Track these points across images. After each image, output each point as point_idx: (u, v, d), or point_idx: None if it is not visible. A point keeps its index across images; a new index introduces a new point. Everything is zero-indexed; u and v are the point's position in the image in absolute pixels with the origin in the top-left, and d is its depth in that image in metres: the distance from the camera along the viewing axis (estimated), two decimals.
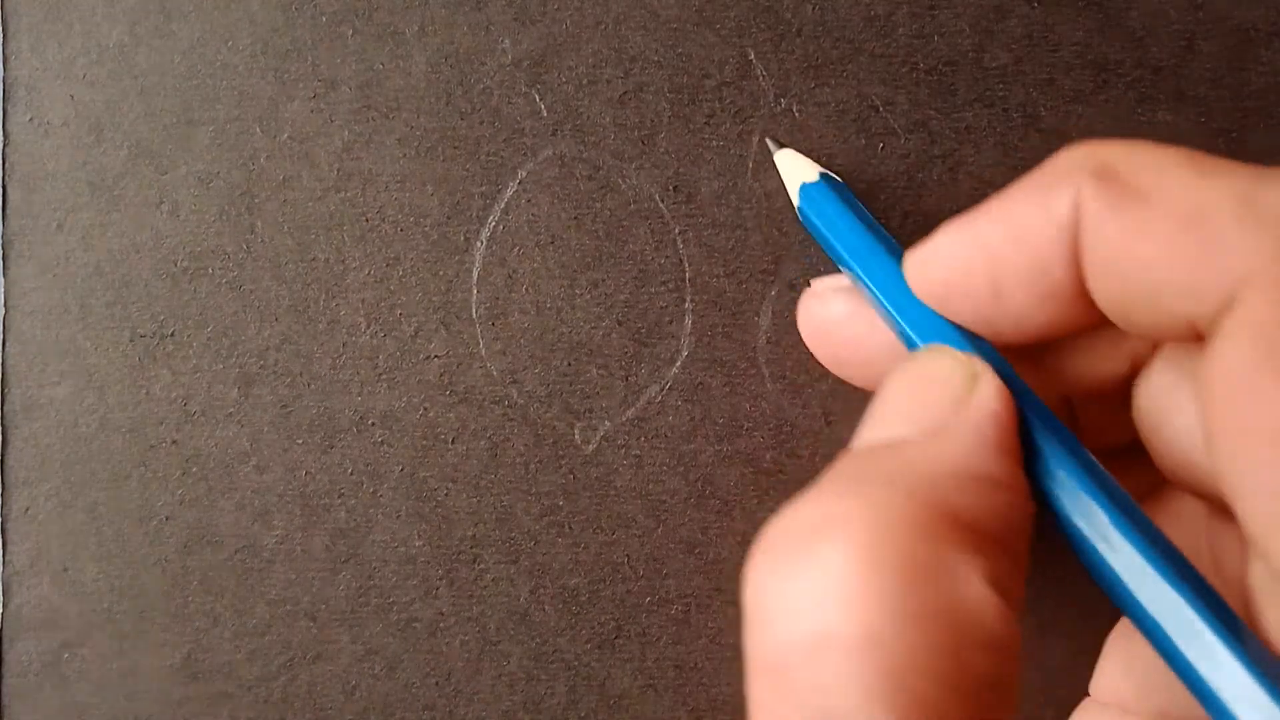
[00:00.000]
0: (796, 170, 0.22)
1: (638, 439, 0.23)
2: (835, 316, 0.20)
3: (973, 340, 0.17)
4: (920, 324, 0.18)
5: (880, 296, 0.19)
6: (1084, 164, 0.15)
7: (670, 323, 0.23)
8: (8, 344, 0.24)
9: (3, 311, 0.24)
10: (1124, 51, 0.23)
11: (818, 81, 0.23)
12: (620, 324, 0.23)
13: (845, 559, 0.13)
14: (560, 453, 0.23)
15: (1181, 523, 0.18)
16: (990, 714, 0.13)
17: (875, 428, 0.16)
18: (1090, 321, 0.16)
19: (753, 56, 0.23)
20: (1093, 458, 0.16)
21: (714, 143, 0.23)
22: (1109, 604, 0.15)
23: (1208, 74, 0.23)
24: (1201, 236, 0.14)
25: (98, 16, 0.24)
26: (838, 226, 0.20)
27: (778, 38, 0.23)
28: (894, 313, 0.19)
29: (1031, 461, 0.16)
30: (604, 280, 0.23)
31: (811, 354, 0.22)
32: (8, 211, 0.24)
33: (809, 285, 0.22)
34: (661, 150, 0.23)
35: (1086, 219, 0.15)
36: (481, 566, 0.24)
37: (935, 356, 0.17)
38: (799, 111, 0.23)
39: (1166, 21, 0.23)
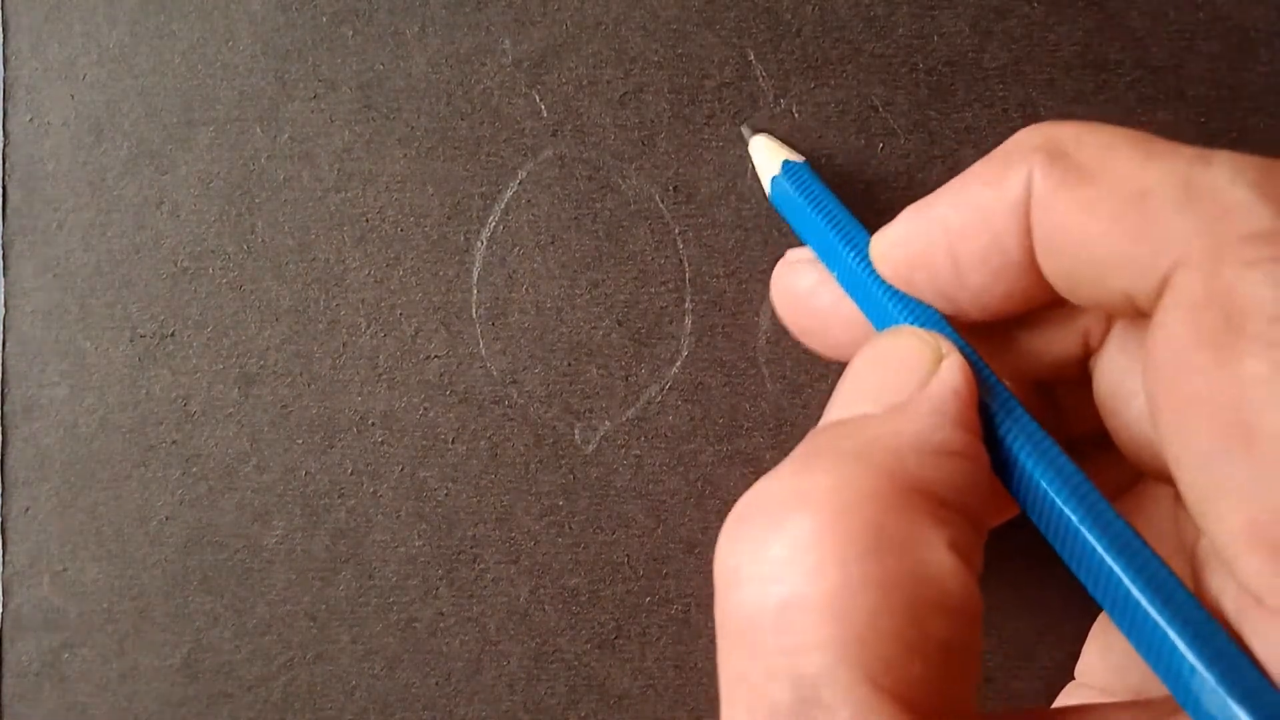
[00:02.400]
0: (768, 157, 0.22)
1: (638, 439, 0.23)
2: (805, 287, 0.21)
3: (936, 322, 0.18)
4: (886, 304, 0.18)
5: (846, 280, 0.19)
6: (1037, 143, 0.16)
7: (670, 323, 0.23)
8: (8, 344, 0.24)
9: (3, 311, 0.24)
10: (1124, 51, 0.23)
11: (818, 81, 0.23)
12: (620, 324, 0.23)
13: (813, 528, 0.14)
14: (560, 453, 0.23)
15: (1158, 509, 0.19)
16: (953, 675, 0.14)
17: (842, 405, 0.16)
18: (1045, 297, 0.17)
19: (752, 57, 0.23)
20: (1048, 436, 0.16)
21: (714, 143, 0.23)
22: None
23: (1208, 74, 0.23)
24: (1142, 216, 0.14)
25: (98, 16, 0.24)
26: (805, 213, 0.21)
27: (778, 38, 0.23)
28: (860, 294, 0.19)
29: (992, 437, 0.16)
30: (604, 280, 0.23)
31: (812, 354, 0.22)
32: (8, 211, 0.24)
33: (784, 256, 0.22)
34: (661, 150, 0.23)
35: (1035, 197, 0.16)
36: (481, 566, 0.24)
37: (900, 335, 0.17)
38: (799, 111, 0.23)
39: (1166, 21, 0.23)
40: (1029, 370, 0.19)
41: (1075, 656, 0.21)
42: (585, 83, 0.24)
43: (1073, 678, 0.21)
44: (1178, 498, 0.18)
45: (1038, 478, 0.15)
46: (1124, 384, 0.17)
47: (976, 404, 0.16)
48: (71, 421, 0.24)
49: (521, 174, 0.24)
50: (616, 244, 0.23)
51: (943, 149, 0.23)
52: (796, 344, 0.23)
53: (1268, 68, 0.23)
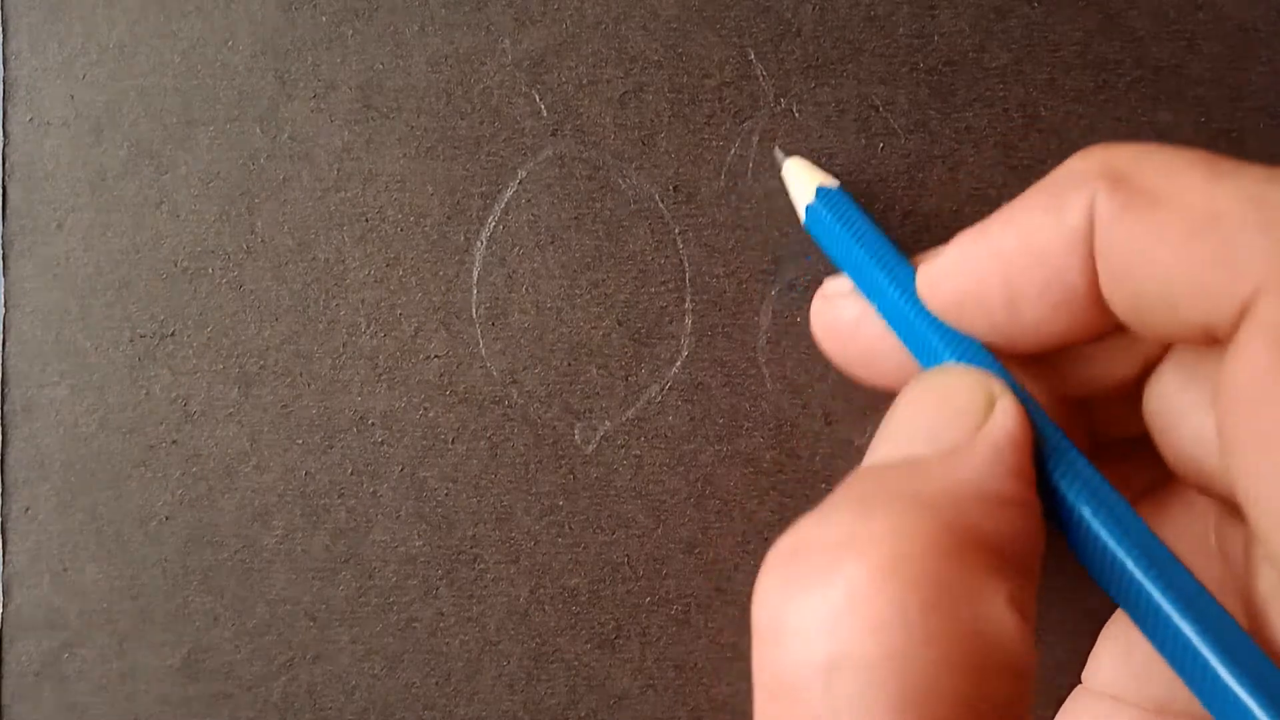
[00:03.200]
0: (802, 183, 0.22)
1: (638, 439, 0.23)
2: (849, 319, 0.20)
3: (984, 358, 0.17)
4: (932, 339, 0.18)
5: (888, 312, 0.19)
6: (1095, 169, 0.15)
7: (670, 323, 0.23)
8: (8, 344, 0.24)
9: (3, 311, 0.24)
10: (1124, 51, 0.23)
11: (818, 81, 0.23)
12: (620, 324, 0.23)
13: (867, 578, 0.13)
14: (560, 453, 0.23)
15: (1190, 516, 0.18)
16: None
17: (890, 445, 0.16)
18: (1106, 327, 0.16)
19: (753, 56, 0.23)
20: (1106, 481, 0.16)
21: (714, 143, 0.23)
22: (1102, 598, 0.15)
23: (1208, 74, 0.23)
24: (1215, 240, 0.14)
25: (98, 16, 0.24)
26: (844, 242, 0.20)
27: (778, 38, 0.23)
28: (903, 327, 0.18)
29: (1044, 481, 0.16)
30: (604, 280, 0.23)
31: (811, 354, 0.22)
32: (8, 211, 0.24)
33: (821, 286, 0.21)
34: (661, 150, 0.23)
35: (1100, 225, 0.15)
36: (481, 566, 0.24)
37: (951, 374, 0.16)
38: (799, 111, 0.23)
39: (1166, 21, 0.23)
40: (1076, 391, 0.18)
41: (1076, 656, 0.21)
42: (585, 82, 0.24)
43: (1078, 681, 0.20)
44: (1221, 512, 0.18)
45: (1096, 529, 0.15)
46: (1178, 402, 0.17)
47: (1031, 450, 0.15)
48: (71, 421, 0.24)
49: (521, 174, 0.24)
50: (616, 244, 0.23)
51: (943, 149, 0.23)
52: (796, 344, 0.23)
53: (1268, 68, 0.23)
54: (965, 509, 0.14)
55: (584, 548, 0.23)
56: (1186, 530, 0.18)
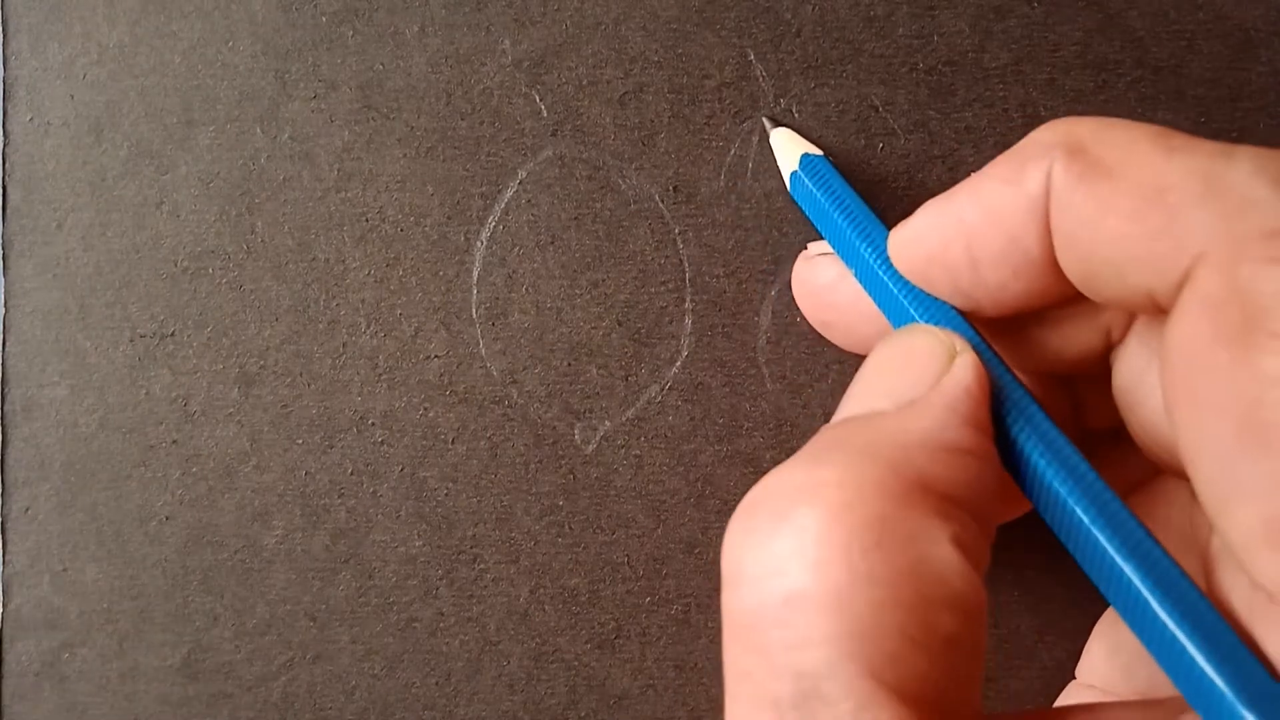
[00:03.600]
0: (789, 151, 0.22)
1: (638, 439, 0.23)
2: (826, 281, 0.21)
3: (953, 319, 0.18)
4: (902, 301, 0.18)
5: (863, 275, 0.19)
6: (1056, 140, 0.16)
7: (670, 323, 0.23)
8: (8, 344, 0.24)
9: (3, 311, 0.24)
10: (1124, 51, 0.23)
11: (818, 81, 0.23)
12: (620, 324, 0.23)
13: (817, 522, 0.14)
14: (560, 453, 0.23)
15: (1173, 504, 0.19)
16: (957, 671, 0.13)
17: (855, 402, 0.16)
18: (1064, 294, 0.17)
19: (753, 57, 0.23)
20: (1062, 434, 0.16)
21: (714, 143, 0.23)
22: (1100, 599, 0.16)
23: (1208, 74, 0.23)
24: (1161, 212, 0.14)
25: (98, 16, 0.24)
26: (823, 207, 0.21)
27: (778, 38, 0.23)
28: (877, 290, 0.19)
29: (1005, 435, 0.16)
30: (604, 280, 0.23)
31: (811, 354, 0.22)
32: (8, 211, 0.24)
33: (805, 249, 0.22)
34: (661, 150, 0.23)
35: (1055, 194, 0.16)
36: (481, 566, 0.24)
37: (914, 333, 0.17)
38: (799, 111, 0.23)
39: (1166, 21, 0.23)
40: (1049, 364, 0.19)
41: (1076, 655, 0.21)
42: (585, 83, 0.24)
43: (1073, 677, 0.21)
44: (1193, 493, 0.18)
45: (1049, 477, 0.15)
46: (1143, 379, 0.17)
47: (989, 402, 0.16)
48: (71, 421, 0.24)
49: (521, 174, 0.24)
50: (616, 244, 0.23)
51: (943, 149, 0.23)
52: (796, 344, 0.23)
53: (1268, 68, 0.23)
54: (914, 456, 0.14)
55: (584, 548, 0.23)
56: (1166, 519, 0.18)
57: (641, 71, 0.23)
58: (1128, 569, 0.14)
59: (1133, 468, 0.19)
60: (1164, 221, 0.14)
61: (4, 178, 0.24)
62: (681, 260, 0.23)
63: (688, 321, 0.23)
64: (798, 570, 0.13)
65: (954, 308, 0.18)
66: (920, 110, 0.23)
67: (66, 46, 0.24)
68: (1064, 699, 0.20)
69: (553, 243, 0.24)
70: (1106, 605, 0.19)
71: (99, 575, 0.24)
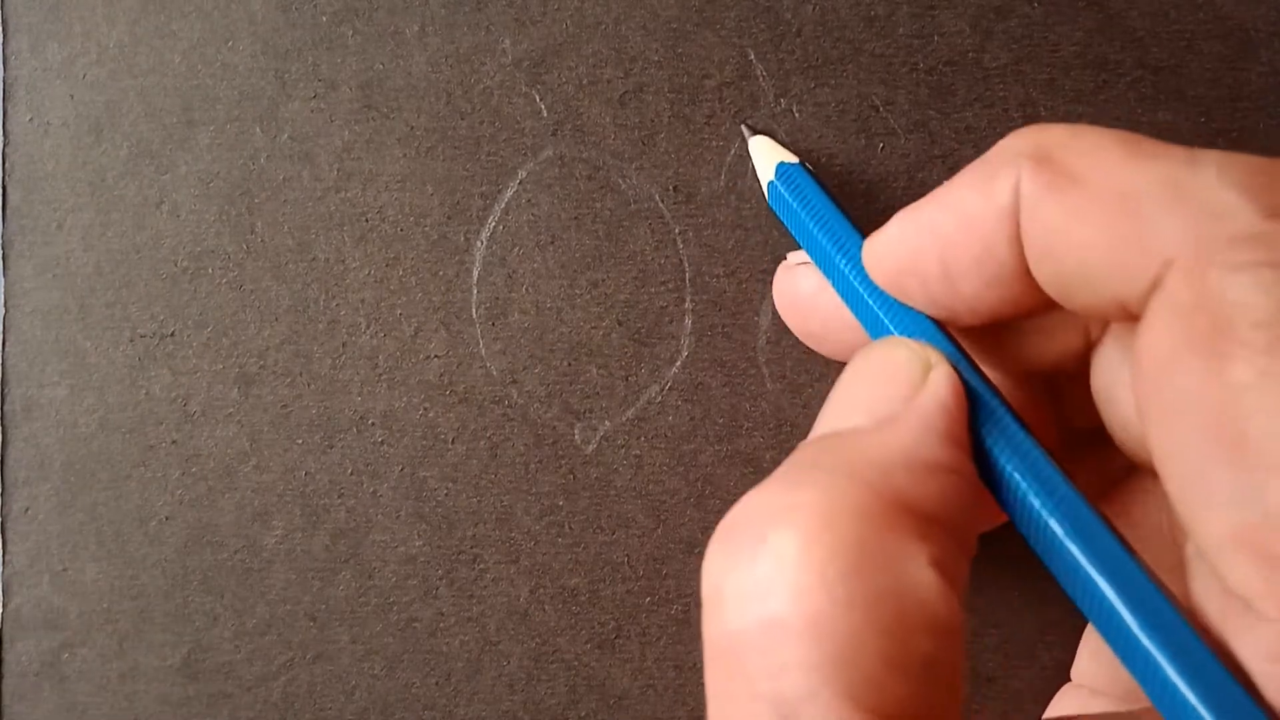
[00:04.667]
0: (767, 159, 0.22)
1: (638, 439, 0.23)
2: (807, 290, 0.21)
3: (928, 330, 0.18)
4: (878, 312, 0.18)
5: (840, 285, 0.19)
6: (1023, 148, 0.16)
7: (670, 323, 0.23)
8: (8, 344, 0.24)
9: (3, 311, 0.24)
10: (1124, 51, 0.23)
11: (818, 81, 0.23)
12: (620, 324, 0.23)
13: (795, 546, 0.13)
14: (560, 453, 0.23)
15: (1152, 503, 0.19)
16: (937, 692, 0.13)
17: (831, 418, 0.16)
18: (1039, 302, 0.17)
19: (753, 56, 0.23)
20: (1038, 446, 0.16)
21: (714, 143, 0.23)
22: None
23: (1208, 74, 0.23)
24: (1130, 219, 0.14)
25: (98, 16, 0.24)
26: (799, 217, 0.21)
27: (778, 38, 0.23)
28: (853, 300, 0.19)
29: (981, 449, 0.16)
30: (604, 280, 0.23)
31: (811, 354, 0.22)
32: (8, 211, 0.24)
33: (785, 259, 0.22)
34: (661, 150, 0.23)
35: (1024, 203, 0.16)
36: (481, 566, 0.24)
37: (890, 347, 0.17)
38: (799, 111, 0.23)
39: (1166, 21, 0.23)
40: (1030, 366, 0.19)
41: (1074, 656, 0.21)
42: (585, 83, 0.24)
43: (1070, 679, 0.21)
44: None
45: (1023, 491, 0.15)
46: (1120, 380, 0.17)
47: (965, 417, 0.16)
48: (71, 421, 0.24)
49: (521, 174, 0.24)
50: (616, 244, 0.23)
51: (943, 149, 0.23)
52: (796, 344, 0.23)
53: (1268, 68, 0.23)
54: (892, 476, 0.14)
55: (584, 548, 0.23)
56: (1145, 519, 0.18)
57: (641, 71, 0.23)
58: (1101, 583, 0.14)
59: (1115, 465, 0.19)
60: (1132, 229, 0.14)
61: (4, 178, 0.24)
62: (681, 260, 0.23)
63: (688, 321, 0.23)
64: (776, 596, 0.13)
65: (930, 318, 0.18)
66: (920, 110, 0.23)
67: (66, 46, 0.24)
68: (1057, 701, 0.20)
69: (553, 243, 0.24)
70: None
71: (99, 575, 0.24)
